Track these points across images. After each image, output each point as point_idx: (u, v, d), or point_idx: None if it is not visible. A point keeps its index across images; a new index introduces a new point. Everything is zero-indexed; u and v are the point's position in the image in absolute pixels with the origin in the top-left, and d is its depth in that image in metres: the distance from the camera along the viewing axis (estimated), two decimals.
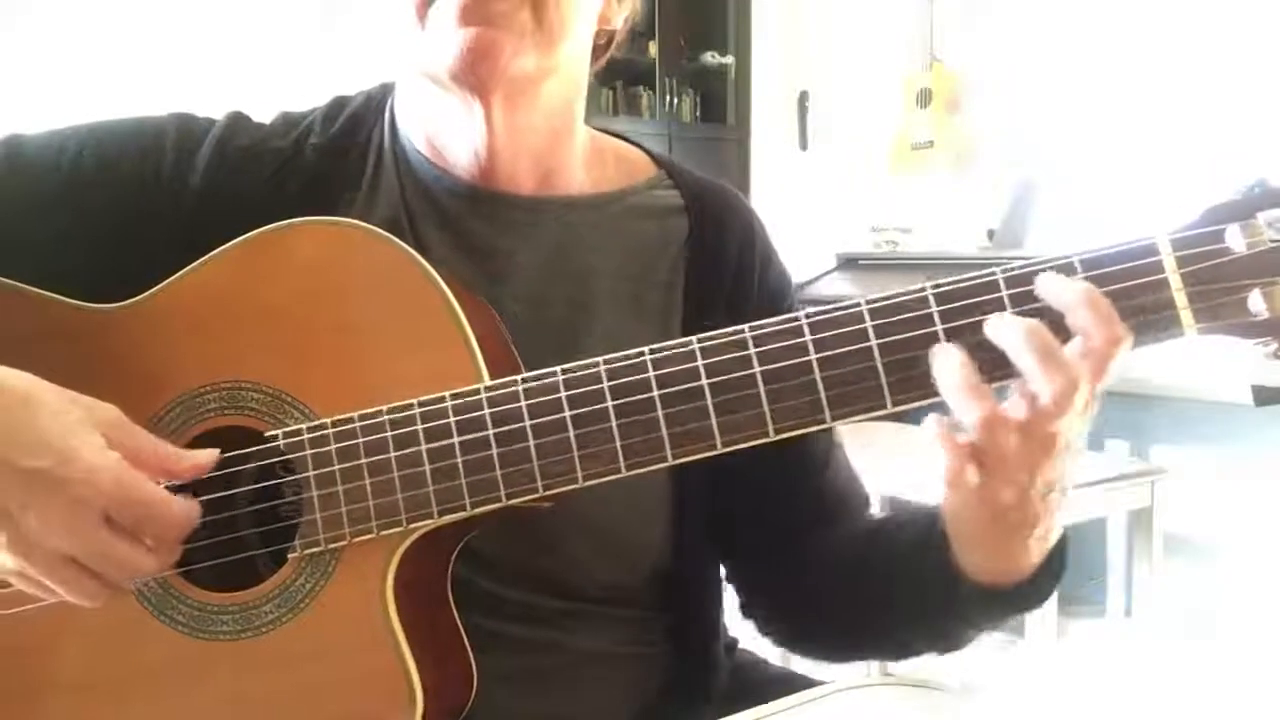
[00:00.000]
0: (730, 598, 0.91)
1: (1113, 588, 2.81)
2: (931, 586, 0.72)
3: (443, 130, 0.81)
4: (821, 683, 0.81)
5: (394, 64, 0.83)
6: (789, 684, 0.86)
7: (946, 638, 0.77)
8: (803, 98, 4.49)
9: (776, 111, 4.53)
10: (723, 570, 0.90)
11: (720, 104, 4.69)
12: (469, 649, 0.72)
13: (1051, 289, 0.60)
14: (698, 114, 4.73)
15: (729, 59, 4.61)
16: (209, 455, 0.68)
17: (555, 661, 0.79)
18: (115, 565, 0.64)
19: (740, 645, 0.94)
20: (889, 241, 3.99)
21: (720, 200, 0.88)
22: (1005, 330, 0.59)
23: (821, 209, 4.18)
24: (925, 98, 3.93)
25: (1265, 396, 2.36)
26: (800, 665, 1.00)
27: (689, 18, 4.57)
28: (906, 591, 0.75)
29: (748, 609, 0.91)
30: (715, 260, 0.85)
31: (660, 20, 4.41)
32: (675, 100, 4.57)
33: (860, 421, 0.64)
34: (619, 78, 4.51)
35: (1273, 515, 2.69)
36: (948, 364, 0.60)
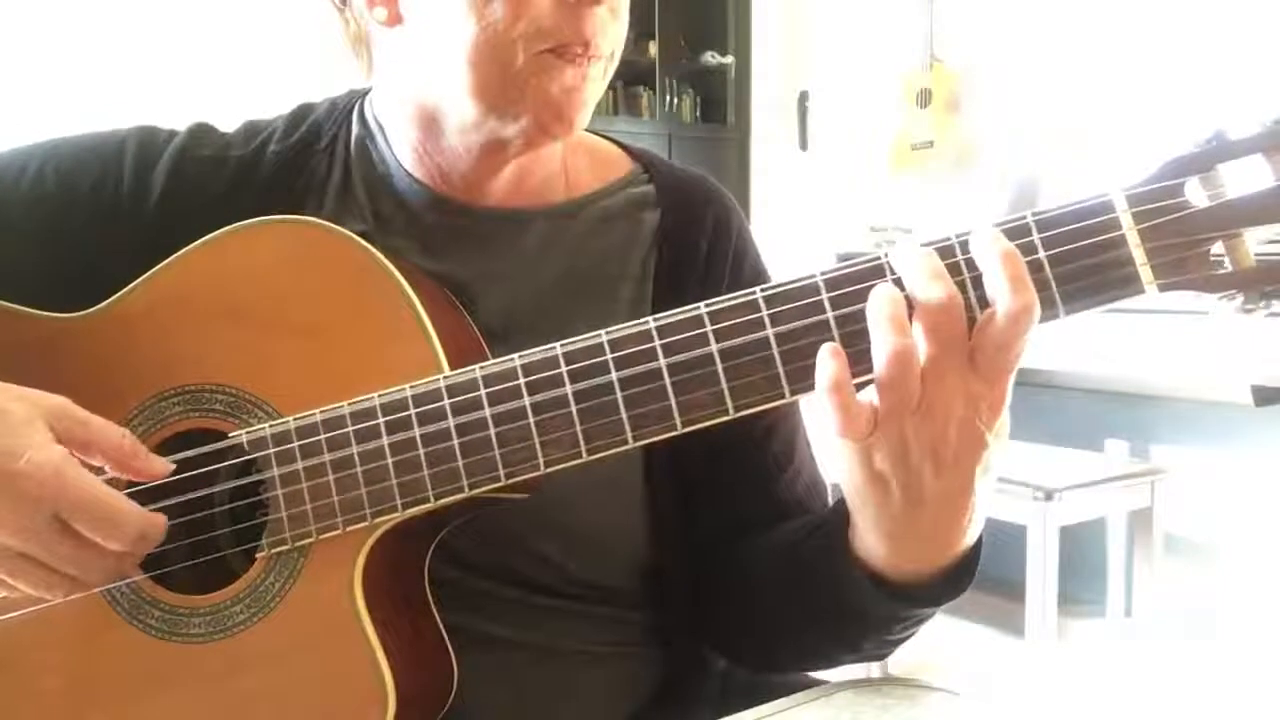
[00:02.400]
0: None
1: (1113, 588, 2.81)
2: (824, 572, 0.70)
3: (429, 154, 0.81)
4: (821, 683, 0.81)
5: (391, 85, 0.82)
6: (786, 684, 0.85)
7: (850, 638, 0.74)
8: (803, 98, 4.49)
9: (776, 111, 4.53)
10: None
11: (720, 104, 4.70)
12: (450, 647, 0.71)
13: (977, 246, 0.58)
14: (698, 114, 4.73)
15: (729, 59, 4.61)
16: (164, 465, 0.67)
17: (541, 661, 0.79)
18: (66, 563, 0.63)
19: None
20: (889, 241, 3.99)
21: (696, 192, 0.88)
22: (903, 255, 0.58)
23: (821, 209, 4.18)
24: (925, 98, 3.92)
25: (1265, 396, 2.36)
26: None
27: (689, 18, 4.57)
28: (804, 582, 0.73)
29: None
30: (685, 251, 0.85)
31: (660, 20, 4.41)
32: (675, 100, 4.57)
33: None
34: (619, 78, 4.47)
35: (1273, 515, 2.69)
36: (882, 291, 0.57)
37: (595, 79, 0.76)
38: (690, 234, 0.85)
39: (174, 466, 0.68)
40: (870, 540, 0.66)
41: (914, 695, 0.73)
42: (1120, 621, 2.73)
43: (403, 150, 0.82)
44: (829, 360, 0.57)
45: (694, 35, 4.62)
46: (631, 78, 4.53)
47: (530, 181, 0.83)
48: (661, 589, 0.82)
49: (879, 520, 0.64)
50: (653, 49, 4.46)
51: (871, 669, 2.33)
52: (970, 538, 0.65)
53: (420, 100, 0.79)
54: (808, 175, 4.40)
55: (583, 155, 0.88)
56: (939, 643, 2.57)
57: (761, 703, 0.73)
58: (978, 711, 0.73)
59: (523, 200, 0.83)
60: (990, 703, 0.74)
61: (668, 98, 4.52)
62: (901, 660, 2.42)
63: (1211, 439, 2.82)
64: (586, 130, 0.90)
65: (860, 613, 0.70)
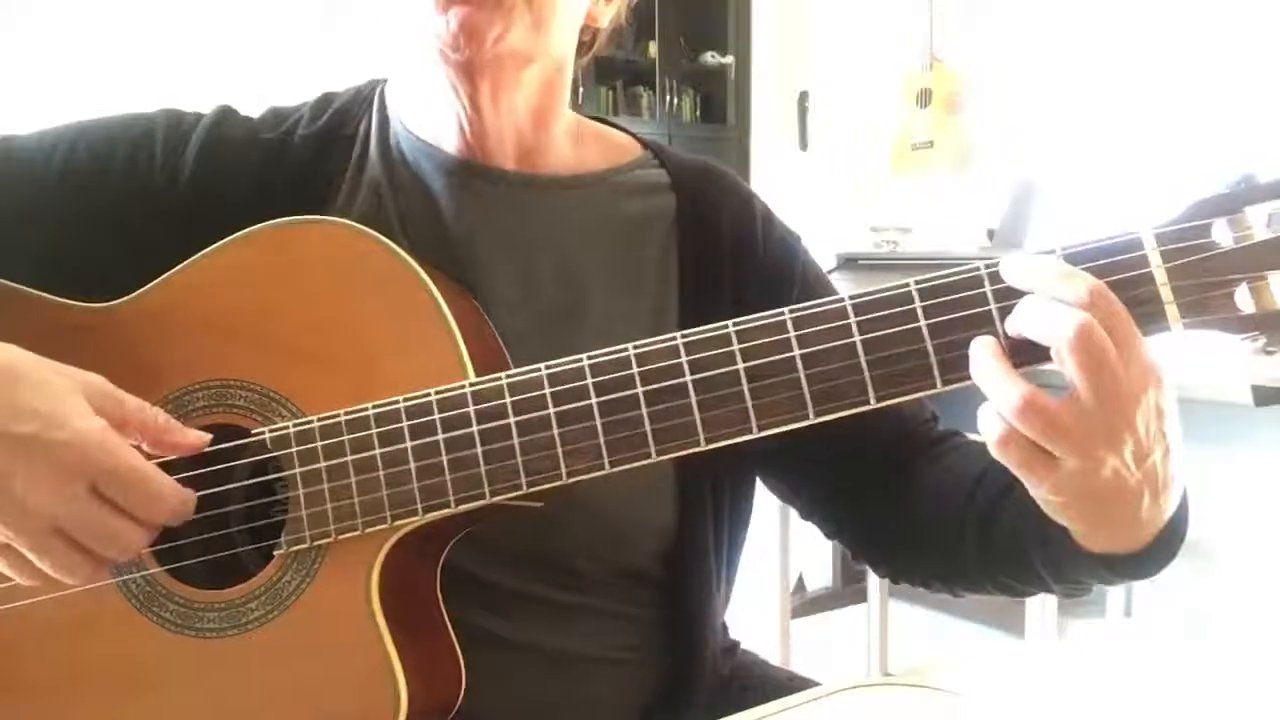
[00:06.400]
0: (733, 598, 0.91)
1: (1113, 588, 2.81)
2: (1039, 563, 0.72)
3: (431, 108, 0.82)
4: (822, 683, 0.81)
5: (389, 42, 0.83)
6: (789, 684, 0.86)
7: (1063, 594, 0.77)
8: (803, 98, 4.49)
9: (776, 111, 4.54)
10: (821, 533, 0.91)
11: (720, 104, 4.70)
12: (458, 648, 0.72)
13: (1016, 271, 0.59)
14: (698, 114, 4.74)
15: (729, 59, 4.62)
16: (200, 437, 0.68)
17: (550, 659, 0.79)
18: (99, 534, 0.64)
19: (741, 646, 0.94)
20: (889, 241, 3.98)
21: (709, 177, 0.89)
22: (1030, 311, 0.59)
23: (821, 209, 4.18)
24: (925, 98, 3.92)
25: (1265, 396, 2.36)
26: (801, 666, 1.00)
27: (689, 18, 4.57)
28: (1014, 561, 0.75)
29: (858, 557, 0.91)
30: (709, 236, 0.85)
31: (660, 20, 4.42)
32: (675, 100, 4.58)
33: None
34: (619, 78, 4.51)
35: (1273, 515, 2.69)
36: (981, 351, 0.59)
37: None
38: (712, 222, 0.86)
39: (210, 437, 0.69)
40: (1081, 529, 0.67)
41: (914, 695, 0.73)
42: (1120, 621, 2.73)
43: (408, 114, 0.84)
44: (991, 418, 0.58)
45: (694, 35, 4.63)
46: (631, 78, 4.53)
47: (537, 156, 0.84)
48: (675, 585, 0.83)
49: (1084, 514, 0.65)
50: (653, 49, 4.46)
51: (872, 669, 2.33)
52: (1174, 501, 0.67)
53: (394, 52, 0.82)
54: (808, 175, 4.40)
55: (592, 138, 0.89)
56: (939, 643, 2.57)
57: (762, 703, 0.74)
58: (978, 711, 0.73)
59: (529, 170, 0.84)
60: (990, 703, 0.74)
61: (668, 98, 4.52)
62: (902, 660, 2.43)
63: (1211, 439, 2.82)
64: (592, 119, 0.91)
65: (1084, 581, 0.73)
